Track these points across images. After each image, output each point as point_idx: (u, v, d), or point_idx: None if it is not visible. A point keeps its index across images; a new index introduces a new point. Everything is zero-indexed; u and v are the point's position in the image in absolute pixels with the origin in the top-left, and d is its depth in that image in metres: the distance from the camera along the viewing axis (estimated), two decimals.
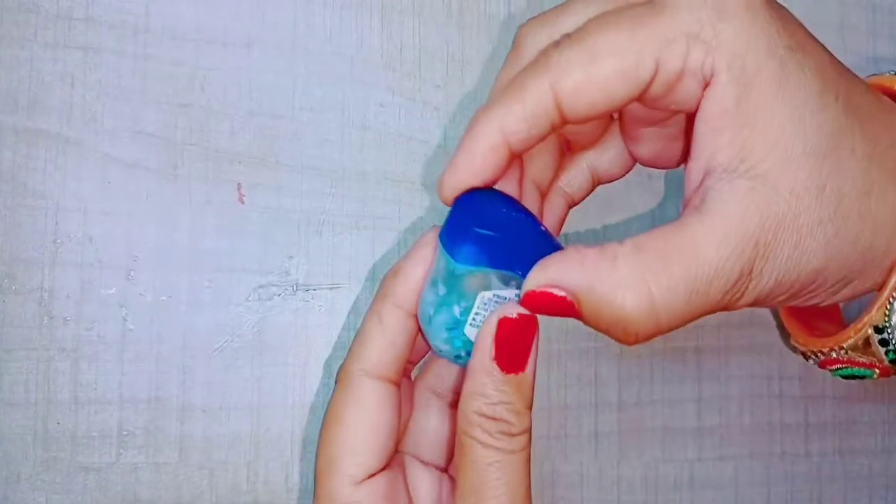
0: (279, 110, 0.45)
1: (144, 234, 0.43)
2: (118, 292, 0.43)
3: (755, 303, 0.33)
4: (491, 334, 0.32)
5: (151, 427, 0.43)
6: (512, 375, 0.32)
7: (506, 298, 0.33)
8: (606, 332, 0.31)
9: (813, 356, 0.40)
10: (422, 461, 0.39)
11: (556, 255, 0.32)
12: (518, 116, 0.32)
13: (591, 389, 0.47)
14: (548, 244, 0.34)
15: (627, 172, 0.40)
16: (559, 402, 0.46)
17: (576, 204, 0.40)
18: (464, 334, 0.34)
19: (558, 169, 0.39)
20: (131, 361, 0.43)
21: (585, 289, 0.30)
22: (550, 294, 0.31)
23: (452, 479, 0.39)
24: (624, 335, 0.31)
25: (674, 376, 0.48)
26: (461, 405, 0.33)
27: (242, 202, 0.44)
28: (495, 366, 0.32)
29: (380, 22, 0.46)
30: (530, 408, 0.33)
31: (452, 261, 0.33)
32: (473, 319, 0.34)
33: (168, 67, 0.44)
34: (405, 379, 0.38)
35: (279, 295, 0.44)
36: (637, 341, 0.31)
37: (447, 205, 0.35)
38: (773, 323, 0.49)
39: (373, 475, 0.35)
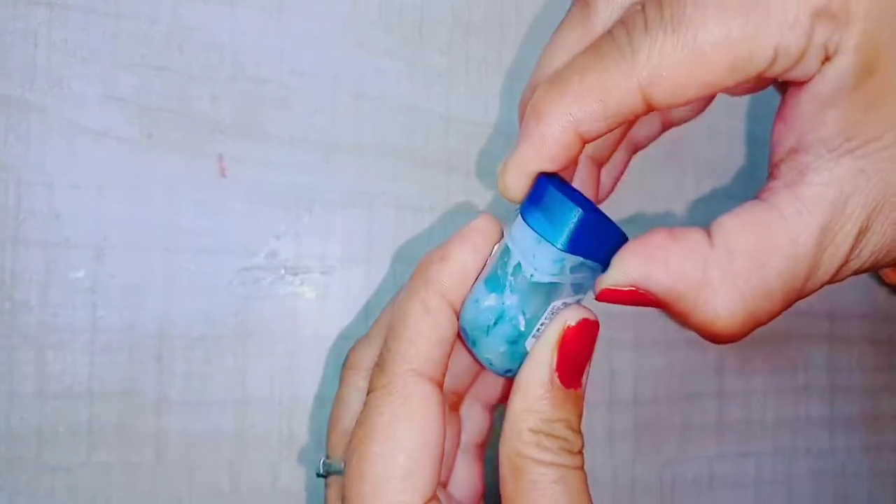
0: (265, 75, 0.41)
1: (116, 211, 0.40)
2: (87, 275, 0.39)
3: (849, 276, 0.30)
4: (553, 344, 0.29)
5: (125, 423, 0.39)
6: (571, 391, 0.30)
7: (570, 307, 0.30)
8: (694, 330, 0.29)
9: None
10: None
11: (635, 248, 0.28)
12: (596, 117, 0.28)
13: (604, 385, 0.44)
14: (618, 231, 0.30)
15: (703, 110, 0.36)
16: None
17: (639, 149, 0.36)
18: (523, 348, 0.31)
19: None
20: (102, 351, 0.39)
21: (673, 294, 0.28)
22: (631, 292, 0.28)
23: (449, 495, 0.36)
24: (713, 339, 0.29)
25: (693, 369, 0.45)
26: (511, 425, 0.30)
27: (224, 176, 0.41)
28: (556, 380, 0.29)
29: None
30: (580, 425, 0.31)
31: (527, 268, 0.30)
32: (537, 330, 0.30)
33: (142, 26, 0.40)
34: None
35: (265, 279, 0.41)
36: (727, 342, 0.29)
37: (512, 200, 0.31)
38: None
39: (428, 502, 0.30)
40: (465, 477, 0.36)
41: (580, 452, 0.30)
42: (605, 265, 0.29)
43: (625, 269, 0.28)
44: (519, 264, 0.30)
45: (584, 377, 0.30)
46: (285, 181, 0.41)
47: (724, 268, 0.27)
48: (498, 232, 0.32)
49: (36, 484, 0.39)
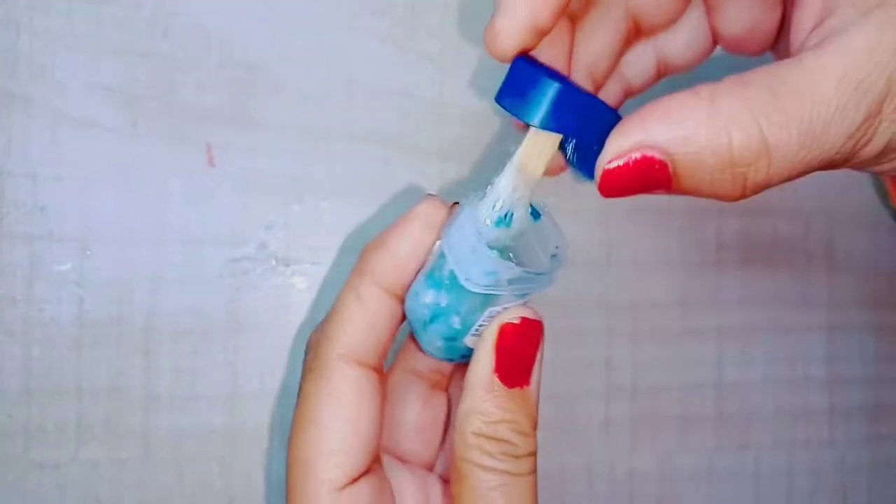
0: (254, 60, 0.40)
1: (101, 203, 0.39)
2: (73, 268, 0.39)
3: (883, 153, 0.27)
4: (492, 344, 0.29)
5: (113, 419, 0.39)
6: (516, 390, 0.29)
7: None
8: (709, 189, 0.26)
9: None
10: (402, 459, 0.35)
11: (634, 114, 0.26)
12: None
13: (601, 375, 0.43)
14: (614, 114, 0.29)
15: (702, 61, 0.35)
16: (566, 389, 0.43)
17: (634, 94, 0.35)
18: (462, 344, 0.31)
19: (619, 55, 0.34)
20: (89, 346, 0.39)
21: (680, 139, 0.25)
22: (638, 161, 0.26)
23: (443, 481, 0.35)
24: (731, 185, 0.26)
25: (692, 359, 0.44)
26: (457, 425, 0.29)
27: (213, 165, 0.40)
28: (496, 379, 0.29)
29: None
30: (535, 427, 0.30)
31: (460, 275, 0.29)
32: (476, 331, 0.30)
33: (126, 11, 0.39)
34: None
35: (255, 270, 0.40)
36: (745, 193, 0.26)
37: (504, 60, 0.29)
38: (799, 297, 0.45)
39: (355, 479, 0.31)
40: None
41: (529, 456, 0.29)
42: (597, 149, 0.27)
43: (625, 134, 0.26)
44: (452, 269, 0.30)
45: (534, 376, 0.30)
46: (275, 170, 0.40)
47: (735, 96, 0.25)
48: (442, 216, 0.31)
49: (24, 481, 0.38)
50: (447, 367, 0.35)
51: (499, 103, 0.29)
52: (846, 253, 0.47)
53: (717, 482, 0.44)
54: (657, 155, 0.25)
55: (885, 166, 0.28)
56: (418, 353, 0.35)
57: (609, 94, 0.34)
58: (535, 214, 0.32)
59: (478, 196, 0.31)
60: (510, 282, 0.29)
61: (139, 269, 0.39)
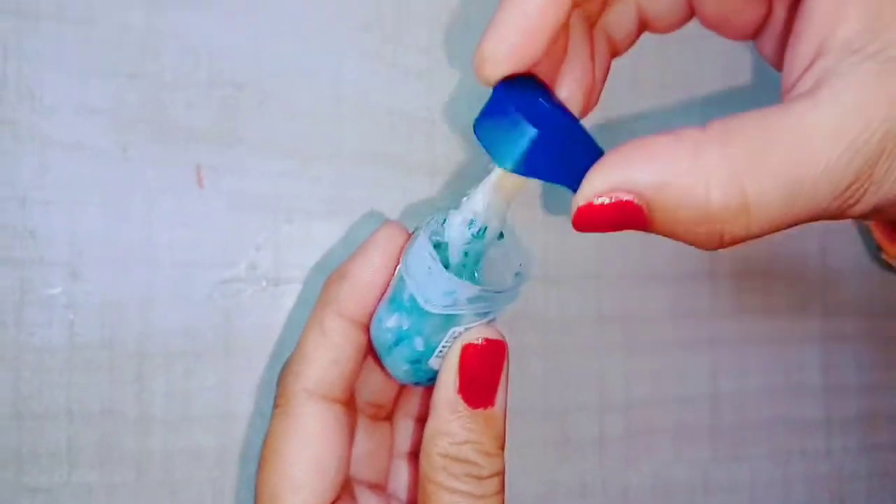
0: (242, 79, 0.40)
1: (91, 226, 0.39)
2: (63, 292, 0.39)
3: (873, 212, 0.26)
4: (455, 365, 0.29)
5: (105, 443, 0.39)
6: (480, 410, 0.29)
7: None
8: (685, 237, 0.26)
9: None
10: (368, 484, 0.35)
11: (614, 153, 0.26)
12: None
13: (594, 388, 0.43)
14: (597, 151, 0.28)
15: (681, 26, 0.33)
16: (558, 404, 0.43)
17: (618, 54, 0.34)
18: (428, 366, 0.31)
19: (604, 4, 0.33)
20: (81, 370, 0.39)
21: (658, 185, 0.24)
22: (613, 204, 0.25)
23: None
24: (707, 237, 0.25)
25: (686, 371, 0.44)
26: (424, 446, 0.30)
27: (202, 186, 0.40)
28: (460, 400, 0.29)
29: None
30: (503, 448, 0.30)
31: (419, 298, 0.30)
32: (440, 352, 0.30)
33: (114, 33, 0.39)
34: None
35: (246, 291, 0.40)
36: (722, 244, 0.25)
37: (488, 86, 0.29)
38: (794, 306, 0.45)
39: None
40: (404, 482, 0.36)
41: (494, 476, 0.30)
42: (573, 188, 0.26)
43: (603, 171, 0.25)
44: (411, 292, 0.30)
45: (499, 396, 0.30)
46: (264, 190, 0.40)
47: (718, 150, 0.24)
48: (402, 241, 0.31)
49: None
50: (387, 399, 0.36)
51: (475, 134, 0.29)
52: (840, 262, 0.47)
53: (712, 494, 0.44)
54: (634, 199, 0.25)
55: (876, 216, 0.27)
56: (357, 387, 0.35)
57: (599, 54, 0.33)
58: (499, 234, 0.32)
59: (435, 218, 0.31)
60: (470, 300, 0.29)
61: (130, 292, 0.39)
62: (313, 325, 0.32)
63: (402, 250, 0.31)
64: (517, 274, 0.31)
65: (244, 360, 0.40)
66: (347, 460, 0.32)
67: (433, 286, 0.29)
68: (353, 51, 0.41)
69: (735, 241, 0.25)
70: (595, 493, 0.43)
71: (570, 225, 0.42)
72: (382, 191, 0.41)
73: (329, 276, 0.32)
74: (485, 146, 0.28)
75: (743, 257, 0.45)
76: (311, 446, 0.31)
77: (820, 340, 0.45)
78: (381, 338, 0.31)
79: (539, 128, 0.27)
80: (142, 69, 0.39)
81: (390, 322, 0.31)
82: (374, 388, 0.35)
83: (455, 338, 0.30)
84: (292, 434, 0.31)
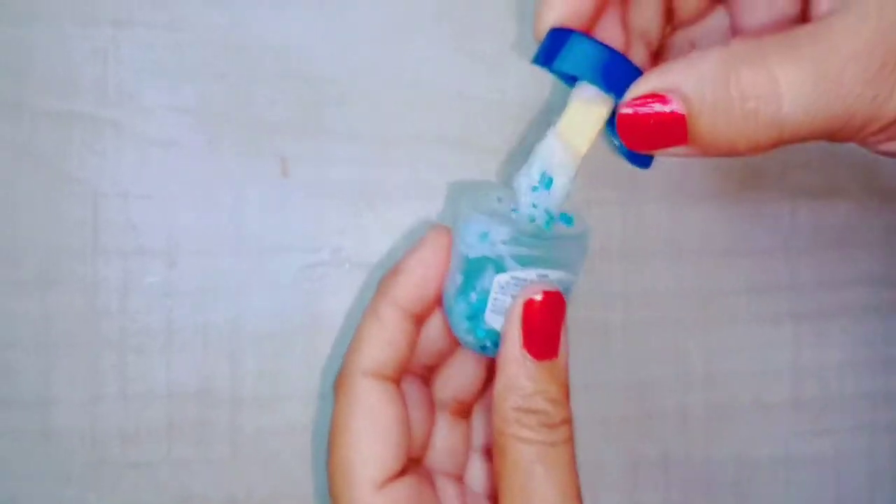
0: (321, 73, 0.42)
1: (186, 218, 0.41)
2: (162, 281, 0.41)
3: None
4: (518, 320, 0.31)
5: (202, 420, 0.41)
6: (545, 362, 0.30)
7: (526, 280, 0.31)
8: (724, 132, 0.27)
9: None
10: (448, 475, 0.37)
11: (656, 67, 0.28)
12: None
13: (674, 363, 0.43)
14: (638, 72, 0.30)
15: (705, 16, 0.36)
16: (639, 378, 0.43)
17: (651, 47, 0.36)
18: (486, 322, 0.32)
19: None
20: (178, 352, 0.41)
21: (692, 79, 0.26)
22: (652, 102, 0.27)
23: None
24: (742, 125, 0.26)
25: (766, 345, 0.44)
26: (495, 405, 0.31)
27: (286, 176, 0.41)
28: (526, 354, 0.30)
29: None
30: (568, 397, 0.31)
31: (461, 241, 0.32)
32: (493, 305, 0.31)
33: (201, 35, 0.42)
34: (423, 386, 0.37)
35: (331, 274, 0.42)
36: (758, 140, 0.27)
37: (546, 28, 0.31)
38: (876, 280, 0.44)
39: (393, 479, 0.33)
40: (479, 475, 0.38)
41: (564, 424, 0.31)
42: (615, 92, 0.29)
43: (645, 81, 0.27)
44: (461, 249, 0.32)
45: (562, 347, 0.31)
46: (346, 177, 0.42)
47: (749, 40, 0.26)
48: (448, 241, 0.34)
49: (120, 480, 0.40)
50: (469, 395, 0.37)
51: (533, 62, 0.31)
52: None
53: (795, 468, 0.44)
54: (670, 95, 0.27)
55: None
56: (441, 383, 0.37)
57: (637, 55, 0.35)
58: (568, 220, 0.34)
59: (481, 192, 0.33)
60: (505, 242, 0.31)
61: (222, 279, 0.41)
62: (370, 313, 0.34)
63: (447, 249, 0.34)
64: (557, 226, 0.33)
65: (330, 340, 0.41)
66: (408, 433, 0.34)
67: (469, 230, 0.31)
68: (426, 40, 0.43)
69: (772, 134, 0.26)
70: (678, 466, 0.43)
71: (645, 202, 0.42)
72: (458, 173, 0.42)
73: (385, 274, 0.35)
74: (539, 61, 0.31)
75: (818, 228, 0.44)
76: (375, 417, 0.33)
77: None
78: (446, 303, 0.34)
79: (583, 35, 0.30)
80: (227, 69, 0.41)
81: (449, 287, 0.33)
82: (456, 384, 0.37)
83: (505, 287, 0.31)
84: (357, 408, 0.33)
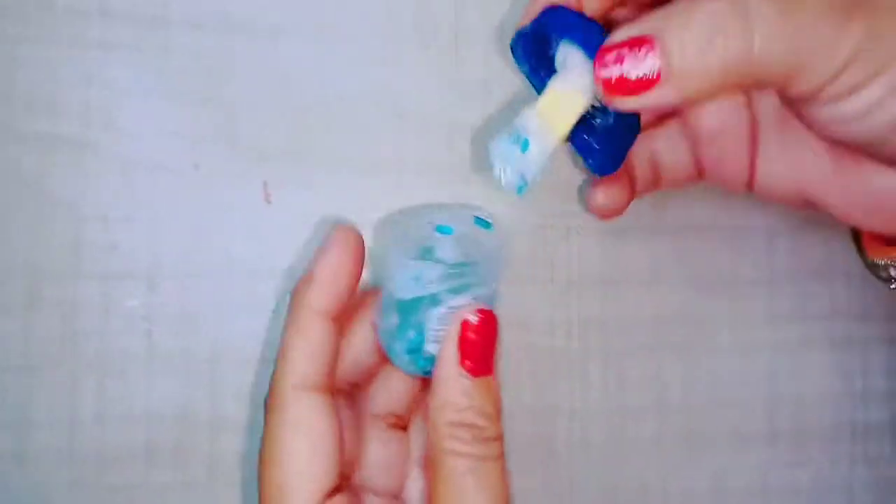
0: (308, 100, 0.42)
1: (168, 241, 0.41)
2: (142, 304, 0.41)
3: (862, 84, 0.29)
4: (454, 340, 0.32)
5: (180, 444, 0.41)
6: (480, 379, 0.32)
7: (460, 306, 0.32)
8: (695, 79, 0.29)
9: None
10: (380, 492, 0.37)
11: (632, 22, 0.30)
12: None
13: (652, 391, 0.43)
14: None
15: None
16: (617, 406, 0.43)
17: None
18: (426, 352, 0.33)
19: None
20: (158, 376, 0.41)
21: (663, 18, 0.29)
22: (627, 42, 0.29)
23: None
24: (716, 74, 0.29)
25: (744, 376, 0.44)
26: (431, 420, 0.32)
27: (269, 201, 0.42)
28: (462, 371, 0.31)
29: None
30: (500, 413, 0.32)
31: (393, 284, 0.33)
32: (432, 336, 0.33)
33: (188, 60, 0.42)
34: (350, 403, 0.37)
35: None
36: (726, 84, 0.29)
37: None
38: (855, 313, 0.45)
39: (329, 496, 0.33)
40: (419, 488, 0.37)
41: (496, 440, 0.32)
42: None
43: (620, 31, 0.30)
44: (388, 288, 0.34)
45: (495, 366, 0.32)
46: (329, 204, 0.42)
47: None
48: (353, 240, 0.35)
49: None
50: (402, 408, 0.38)
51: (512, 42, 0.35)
52: None
53: (771, 500, 0.44)
54: (647, 36, 0.29)
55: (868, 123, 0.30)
56: (373, 398, 0.37)
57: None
58: (486, 224, 0.35)
59: (410, 224, 0.36)
60: (439, 279, 0.32)
61: (204, 303, 0.41)
62: (291, 326, 0.34)
63: (354, 248, 0.35)
64: (477, 237, 0.35)
65: None
66: (342, 446, 0.34)
67: (401, 276, 0.33)
68: (413, 68, 0.43)
69: (740, 74, 0.28)
70: (655, 495, 0.43)
71: (627, 231, 0.43)
72: (443, 198, 0.42)
73: (297, 282, 0.35)
74: (531, 28, 0.34)
75: (797, 260, 0.44)
76: (308, 433, 0.33)
77: (885, 344, 0.44)
78: (383, 339, 0.35)
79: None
80: (213, 94, 0.42)
81: (383, 324, 0.34)
82: (389, 398, 0.38)
83: (442, 320, 0.32)
84: (287, 425, 0.33)
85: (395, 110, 0.43)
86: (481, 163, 0.43)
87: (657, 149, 0.37)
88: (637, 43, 0.29)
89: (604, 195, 0.36)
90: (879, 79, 0.28)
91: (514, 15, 0.43)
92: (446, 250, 0.34)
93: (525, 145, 0.32)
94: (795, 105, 0.31)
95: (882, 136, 0.30)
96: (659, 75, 0.29)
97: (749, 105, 0.36)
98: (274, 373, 0.34)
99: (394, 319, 0.34)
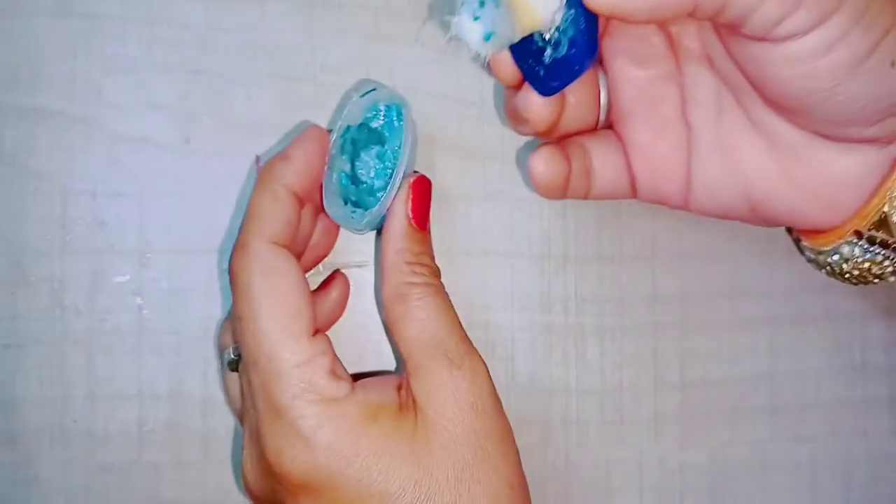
0: (298, 73, 0.42)
1: (158, 216, 0.41)
2: (132, 279, 0.41)
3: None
4: (404, 202, 0.37)
5: (173, 422, 0.41)
6: (423, 232, 0.38)
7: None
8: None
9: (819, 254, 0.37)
10: None
11: None
12: None
13: (649, 368, 0.43)
14: None
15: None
16: (614, 384, 0.43)
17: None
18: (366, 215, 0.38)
19: None
20: (149, 353, 0.41)
21: None
22: None
23: None
24: None
25: (743, 351, 0.44)
26: (391, 265, 0.37)
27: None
28: (413, 224, 0.37)
29: None
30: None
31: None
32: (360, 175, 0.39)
33: (176, 31, 0.41)
34: None
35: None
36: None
37: None
38: (852, 289, 0.44)
39: (316, 332, 0.36)
40: None
41: (439, 276, 0.38)
42: None
43: None
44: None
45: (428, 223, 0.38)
46: None
47: None
48: (324, 137, 0.38)
49: (91, 483, 0.40)
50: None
51: None
52: None
53: (771, 474, 0.44)
54: None
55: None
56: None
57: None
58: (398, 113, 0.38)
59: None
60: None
61: (195, 279, 0.41)
62: (264, 191, 0.36)
63: (323, 144, 0.38)
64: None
65: None
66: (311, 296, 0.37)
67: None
68: (404, 40, 0.42)
69: None
70: (651, 472, 0.43)
71: (624, 206, 0.42)
72: (436, 173, 0.42)
73: (272, 158, 0.37)
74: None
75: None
76: (293, 279, 0.35)
77: (884, 318, 0.44)
78: (326, 198, 0.38)
79: None
80: (202, 65, 0.41)
81: (328, 185, 0.38)
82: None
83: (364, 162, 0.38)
84: (275, 272, 0.35)
85: (386, 83, 0.42)
86: (474, 142, 0.42)
87: (591, 158, 0.38)
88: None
89: (542, 163, 0.37)
90: (832, 18, 0.29)
91: None
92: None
93: (497, 2, 0.32)
94: (751, 52, 0.32)
95: (834, 81, 0.30)
96: None
97: (684, 115, 0.37)
98: (241, 233, 0.36)
99: (333, 176, 0.38)
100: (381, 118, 0.38)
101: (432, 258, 0.38)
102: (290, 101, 0.42)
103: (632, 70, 0.37)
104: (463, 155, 0.42)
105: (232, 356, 0.37)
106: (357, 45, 0.42)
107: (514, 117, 0.38)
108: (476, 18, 0.31)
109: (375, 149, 0.38)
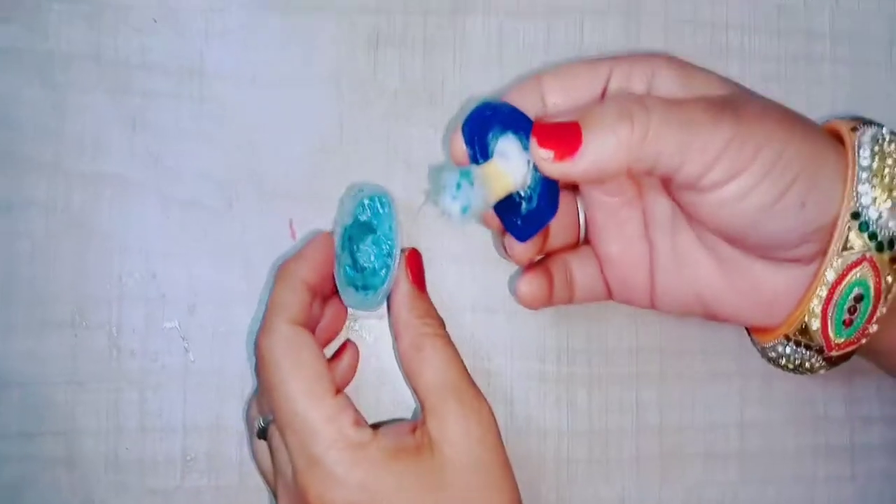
0: (327, 146, 0.47)
1: (203, 270, 0.46)
2: (180, 325, 0.46)
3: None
4: (405, 272, 0.43)
5: (213, 452, 0.46)
6: (425, 294, 0.44)
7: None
8: (610, 150, 0.36)
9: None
10: None
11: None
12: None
13: (632, 414, 0.48)
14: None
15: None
16: (600, 427, 0.48)
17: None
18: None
19: None
20: (193, 391, 0.46)
21: (584, 112, 0.37)
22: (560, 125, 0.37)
23: None
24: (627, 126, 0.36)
25: (716, 401, 0.48)
26: (405, 322, 0.42)
27: (294, 238, 0.46)
28: (416, 288, 0.43)
29: (422, 58, 0.48)
30: None
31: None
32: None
33: (223, 109, 0.47)
34: None
35: None
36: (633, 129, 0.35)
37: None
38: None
39: (336, 395, 0.40)
40: None
41: (445, 327, 0.43)
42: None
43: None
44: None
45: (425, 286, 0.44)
46: None
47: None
48: (331, 240, 0.43)
49: None
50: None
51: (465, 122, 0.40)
52: None
53: None
54: (572, 118, 0.36)
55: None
56: None
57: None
58: (383, 204, 0.43)
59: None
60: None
61: (235, 326, 0.46)
62: (284, 285, 0.42)
63: (332, 247, 0.43)
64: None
65: None
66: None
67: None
68: (420, 122, 0.47)
69: (638, 143, 0.35)
70: None
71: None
72: (445, 241, 0.47)
73: (288, 259, 0.42)
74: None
75: None
76: (316, 351, 0.40)
77: (844, 374, 0.47)
78: (339, 285, 0.44)
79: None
80: (245, 140, 0.46)
81: (338, 276, 0.43)
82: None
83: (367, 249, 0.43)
84: (300, 347, 0.40)
85: (404, 158, 0.47)
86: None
87: (572, 270, 0.44)
88: (565, 125, 0.36)
89: (526, 285, 0.43)
90: (745, 172, 0.35)
91: (513, 77, 0.48)
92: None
93: (472, 182, 0.37)
94: (685, 197, 0.38)
95: (754, 220, 0.37)
96: (579, 145, 0.35)
97: (646, 233, 0.43)
98: (265, 320, 0.41)
99: (343, 261, 0.43)
100: (368, 211, 0.43)
101: (437, 313, 0.43)
102: (320, 171, 0.47)
103: (602, 197, 0.43)
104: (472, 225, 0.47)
105: (262, 424, 0.41)
106: (378, 124, 0.47)
107: (505, 252, 0.43)
108: (454, 198, 0.37)
109: (370, 237, 0.43)
